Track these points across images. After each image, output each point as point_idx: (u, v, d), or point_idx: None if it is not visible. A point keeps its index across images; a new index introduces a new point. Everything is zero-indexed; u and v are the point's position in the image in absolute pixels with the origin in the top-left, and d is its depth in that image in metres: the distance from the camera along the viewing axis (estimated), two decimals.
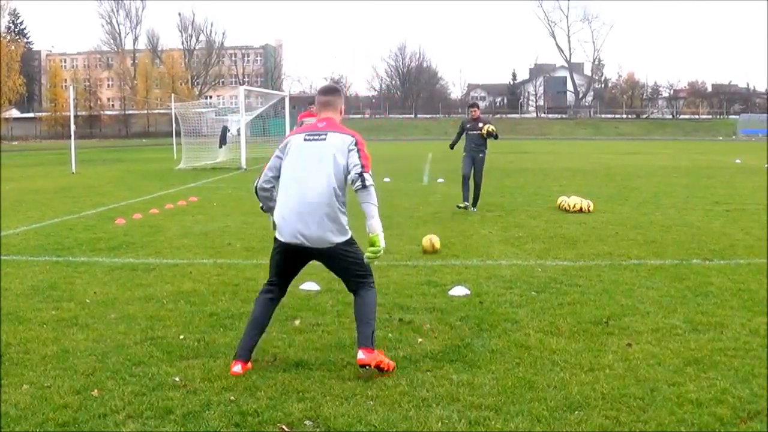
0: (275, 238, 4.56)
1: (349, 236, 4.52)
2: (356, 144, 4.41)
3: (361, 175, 4.32)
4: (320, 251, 4.46)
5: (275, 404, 4.05)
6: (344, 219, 4.47)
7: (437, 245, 8.63)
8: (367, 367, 4.35)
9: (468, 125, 13.32)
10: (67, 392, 4.23)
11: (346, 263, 4.53)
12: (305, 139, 4.47)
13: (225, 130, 27.85)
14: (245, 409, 3.98)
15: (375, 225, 4.39)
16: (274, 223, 4.55)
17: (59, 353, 4.94)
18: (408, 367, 4.63)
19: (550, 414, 3.89)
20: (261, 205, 4.74)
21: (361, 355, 4.36)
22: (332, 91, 4.73)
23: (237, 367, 4.47)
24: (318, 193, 4.36)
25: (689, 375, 4.46)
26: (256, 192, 4.64)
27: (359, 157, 4.36)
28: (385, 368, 4.42)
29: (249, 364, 4.54)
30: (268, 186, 4.58)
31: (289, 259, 4.57)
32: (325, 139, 4.43)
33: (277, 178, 4.54)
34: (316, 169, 4.37)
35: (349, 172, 4.37)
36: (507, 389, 4.23)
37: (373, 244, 4.42)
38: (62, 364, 4.72)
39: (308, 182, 4.37)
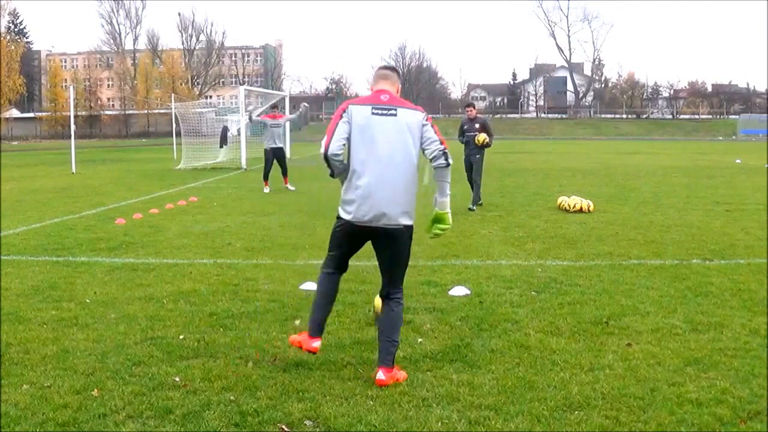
0: (340, 216, 4.48)
1: (412, 223, 4.45)
2: (427, 119, 4.36)
3: (444, 153, 4.28)
4: (387, 232, 4.35)
5: (275, 404, 4.05)
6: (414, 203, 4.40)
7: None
8: (384, 386, 4.25)
9: (465, 125, 13.47)
10: (67, 392, 4.23)
11: (404, 252, 4.48)
12: (373, 113, 4.32)
13: (225, 130, 27.83)
14: (245, 409, 3.98)
15: (447, 203, 4.40)
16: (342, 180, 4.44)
17: (59, 353, 4.94)
18: (408, 367, 4.63)
19: (550, 414, 3.89)
20: (330, 171, 4.51)
21: (381, 375, 4.28)
22: (392, 68, 4.71)
23: (316, 343, 4.48)
24: (399, 173, 4.29)
25: (689, 375, 4.46)
26: (327, 158, 4.39)
27: (435, 133, 4.32)
28: (400, 381, 4.36)
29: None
30: (339, 152, 4.36)
31: (355, 238, 4.51)
32: (396, 115, 4.32)
33: (346, 144, 4.37)
34: (395, 149, 4.28)
35: (426, 148, 4.31)
36: (507, 389, 4.24)
37: (442, 221, 4.41)
38: (62, 364, 4.72)
39: (387, 162, 4.27)
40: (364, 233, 4.42)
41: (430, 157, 4.31)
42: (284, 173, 17.25)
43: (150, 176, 22.59)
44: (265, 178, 16.84)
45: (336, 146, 4.35)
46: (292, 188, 16.89)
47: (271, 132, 16.93)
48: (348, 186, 4.38)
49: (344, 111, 4.40)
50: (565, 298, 6.38)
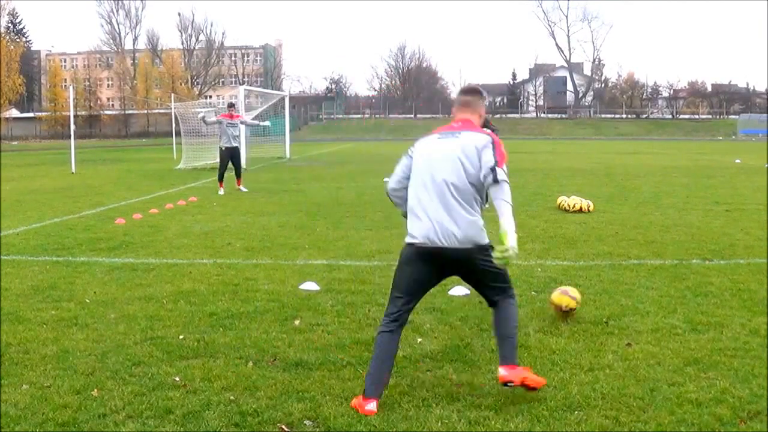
0: (404, 248, 4.18)
1: (487, 242, 4.13)
2: (492, 142, 4.06)
3: (493, 169, 3.96)
4: (458, 254, 4.04)
5: (275, 404, 4.05)
6: (480, 222, 4.11)
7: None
8: (511, 384, 4.02)
9: None
10: (67, 392, 4.23)
11: (484, 270, 4.14)
12: (438, 138, 4.19)
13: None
14: (245, 409, 3.98)
15: (504, 223, 3.99)
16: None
17: (59, 353, 4.94)
18: (408, 367, 4.63)
19: (550, 414, 3.89)
20: (400, 210, 4.42)
21: (502, 371, 4.04)
22: (473, 91, 4.39)
23: (371, 405, 3.93)
24: (455, 190, 4.03)
25: (689, 375, 4.46)
26: (389, 195, 4.37)
27: (494, 154, 4.00)
28: (533, 385, 4.05)
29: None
30: (398, 186, 4.28)
31: (423, 267, 4.12)
32: (458, 138, 4.12)
33: (407, 178, 4.24)
34: (449, 168, 4.05)
35: (481, 168, 4.01)
36: (507, 389, 4.23)
37: (499, 241, 4.04)
38: (62, 364, 4.72)
39: (442, 180, 4.04)
40: (435, 259, 4.10)
41: (482, 177, 4.02)
42: (237, 175, 16.81)
43: (150, 176, 22.59)
44: (220, 179, 16.37)
45: (394, 181, 4.32)
46: (245, 189, 16.48)
47: (227, 131, 16.52)
48: (409, 212, 4.22)
49: (414, 146, 4.29)
50: None
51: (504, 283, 4.26)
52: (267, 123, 19.11)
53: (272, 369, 4.63)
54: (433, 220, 4.02)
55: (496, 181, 3.96)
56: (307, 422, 3.83)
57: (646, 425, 3.76)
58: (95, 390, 4.26)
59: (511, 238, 3.99)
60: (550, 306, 5.79)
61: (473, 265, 4.12)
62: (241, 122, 18.36)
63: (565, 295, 5.69)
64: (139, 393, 4.22)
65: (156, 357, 4.87)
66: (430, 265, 4.11)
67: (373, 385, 4.00)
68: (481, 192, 4.09)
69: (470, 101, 4.30)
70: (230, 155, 16.58)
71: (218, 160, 17.08)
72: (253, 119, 24.49)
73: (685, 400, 4.06)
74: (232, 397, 4.14)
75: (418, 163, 4.18)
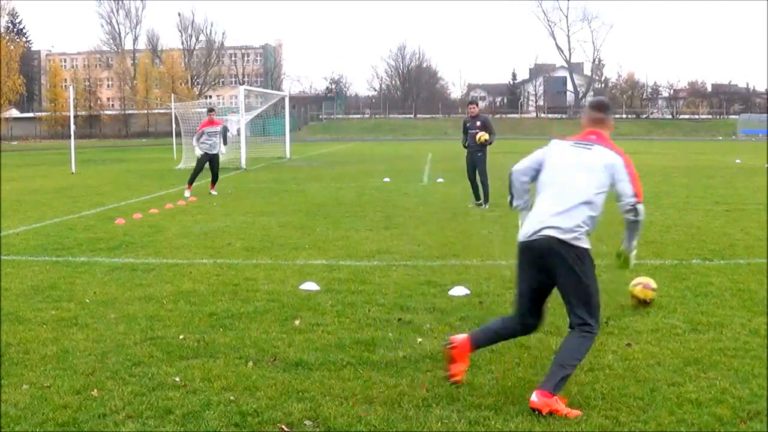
0: (518, 246, 4.29)
1: (589, 248, 4.23)
2: (625, 167, 4.17)
3: (634, 207, 4.13)
4: (559, 253, 4.11)
5: (275, 404, 4.05)
6: (587, 239, 4.24)
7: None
8: (537, 411, 3.88)
9: (468, 123, 13.60)
10: (67, 392, 4.23)
11: (578, 278, 4.16)
12: (572, 146, 4.30)
13: (225, 130, 27.81)
14: (245, 409, 3.98)
15: (629, 245, 4.38)
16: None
17: (59, 353, 4.94)
18: (408, 367, 4.63)
19: (550, 414, 3.88)
20: (510, 198, 4.53)
21: (534, 397, 3.90)
22: (604, 108, 4.50)
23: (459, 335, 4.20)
24: (574, 197, 4.13)
25: (689, 375, 4.46)
26: (512, 176, 4.46)
27: (631, 185, 4.13)
28: (563, 414, 3.88)
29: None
30: (525, 176, 4.43)
31: (535, 264, 4.20)
32: (591, 150, 4.21)
33: (535, 170, 4.39)
34: (576, 177, 4.16)
35: (618, 198, 4.16)
36: (507, 389, 4.23)
37: (619, 257, 4.47)
38: (62, 364, 4.72)
39: (566, 186, 4.17)
40: (543, 254, 4.17)
41: (622, 209, 4.18)
42: (214, 180, 16.42)
43: (150, 176, 22.59)
44: (190, 182, 15.88)
45: (524, 168, 4.43)
46: (215, 193, 16.07)
47: (210, 139, 16.20)
48: (530, 211, 4.38)
49: (548, 145, 4.46)
50: None
51: (590, 308, 4.21)
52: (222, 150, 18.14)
53: (272, 369, 4.63)
54: (546, 217, 4.15)
55: (636, 221, 4.20)
56: (307, 422, 3.83)
57: (646, 425, 3.76)
58: (95, 390, 4.26)
59: (632, 262, 4.48)
60: (632, 299, 6.04)
61: (574, 267, 4.16)
62: (223, 127, 18.06)
63: (648, 290, 6.06)
64: (139, 393, 4.22)
65: (156, 357, 4.87)
66: (544, 261, 4.18)
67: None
68: (595, 207, 4.17)
69: (602, 118, 4.40)
70: (209, 160, 16.20)
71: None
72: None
73: (685, 400, 4.06)
74: (232, 397, 4.14)
75: (550, 164, 4.32)
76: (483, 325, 4.62)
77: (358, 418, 3.86)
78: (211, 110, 17.32)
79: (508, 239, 9.53)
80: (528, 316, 4.29)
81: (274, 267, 7.81)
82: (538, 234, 4.14)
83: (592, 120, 4.40)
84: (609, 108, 4.53)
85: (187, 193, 15.50)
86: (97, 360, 4.82)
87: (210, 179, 16.49)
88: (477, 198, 13.44)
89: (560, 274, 4.15)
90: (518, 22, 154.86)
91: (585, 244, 4.19)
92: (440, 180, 19.04)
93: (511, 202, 4.53)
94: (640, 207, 4.13)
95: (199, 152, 16.29)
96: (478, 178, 13.49)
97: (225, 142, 27.67)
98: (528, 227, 4.23)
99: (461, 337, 4.22)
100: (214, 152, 16.38)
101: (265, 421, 3.85)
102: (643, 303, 6.03)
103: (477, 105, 14.22)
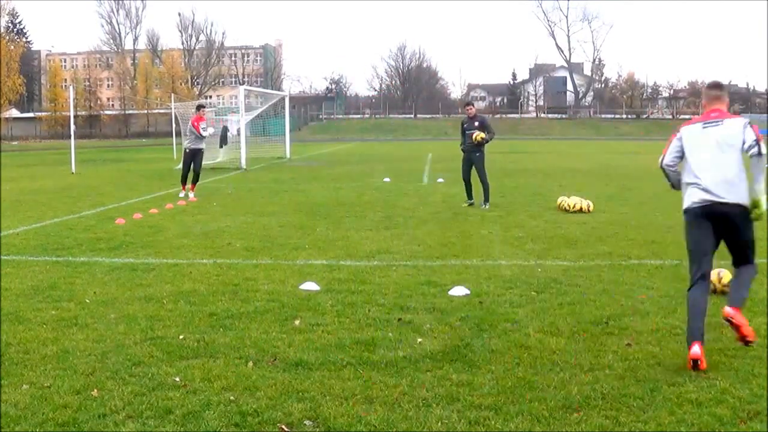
0: (687, 211, 4.98)
1: (745, 204, 4.90)
2: (749, 124, 4.97)
3: (757, 143, 4.83)
4: (734, 212, 4.83)
5: (275, 404, 4.05)
6: (745, 184, 4.90)
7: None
8: (731, 320, 4.61)
9: (465, 124, 13.62)
10: (67, 392, 4.23)
11: (749, 232, 4.92)
12: (703, 127, 5.03)
13: (225, 130, 27.82)
14: (245, 409, 3.98)
15: (759, 190, 4.89)
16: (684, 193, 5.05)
17: (59, 353, 4.94)
18: (408, 367, 4.63)
19: (550, 414, 3.89)
20: (669, 181, 5.30)
21: (728, 309, 4.64)
22: (720, 87, 5.30)
23: (696, 348, 4.56)
24: (730, 170, 4.84)
25: (689, 375, 4.46)
26: (663, 168, 5.21)
27: (753, 132, 4.89)
28: (743, 333, 4.60)
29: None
30: (673, 164, 5.16)
31: (706, 224, 4.89)
32: (722, 124, 4.97)
33: (680, 157, 5.09)
34: (723, 151, 4.89)
35: (745, 144, 4.87)
36: (507, 389, 4.24)
37: (756, 206, 4.88)
38: (62, 364, 4.72)
39: (719, 163, 4.87)
40: (715, 214, 4.86)
41: (746, 149, 4.87)
42: (194, 179, 15.85)
43: (150, 176, 22.59)
44: (183, 181, 15.85)
45: (669, 159, 5.16)
46: (191, 195, 15.39)
47: (193, 133, 15.97)
48: (690, 188, 5.00)
49: (678, 132, 5.21)
50: (565, 298, 6.38)
51: (753, 251, 5.01)
52: (210, 131, 17.82)
53: (272, 369, 4.63)
54: (712, 184, 4.85)
55: (759, 154, 4.82)
56: (307, 422, 3.84)
57: (646, 425, 3.76)
58: (95, 390, 4.26)
59: (764, 203, 4.91)
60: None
61: (746, 223, 4.90)
62: (224, 127, 17.83)
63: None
64: (139, 393, 4.22)
65: (156, 357, 4.87)
66: (716, 221, 4.89)
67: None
68: (743, 169, 4.93)
69: (719, 95, 5.18)
70: (192, 157, 15.87)
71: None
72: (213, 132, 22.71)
73: (685, 400, 4.06)
74: (232, 397, 4.14)
75: (695, 147, 5.01)
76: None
77: (358, 418, 3.86)
78: (200, 107, 17.10)
79: (508, 239, 9.55)
80: (707, 266, 4.96)
81: (274, 267, 7.81)
82: (715, 200, 4.83)
83: (712, 98, 5.15)
84: (724, 86, 5.36)
85: (181, 194, 15.43)
86: (97, 360, 4.82)
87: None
88: (470, 197, 13.52)
89: (739, 233, 4.91)
90: (518, 22, 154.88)
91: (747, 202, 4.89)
92: (440, 180, 19.05)
93: (672, 186, 5.31)
94: (762, 144, 4.83)
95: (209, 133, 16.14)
96: (474, 178, 13.52)
97: (225, 142, 27.83)
98: (700, 196, 4.90)
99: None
100: (199, 147, 16.03)
101: (265, 421, 3.85)
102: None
103: (473, 106, 14.25)
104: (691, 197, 4.98)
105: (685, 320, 5.63)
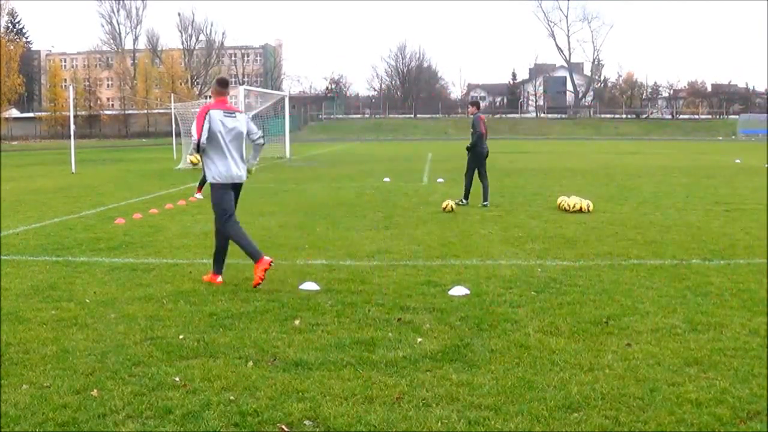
0: None
1: None
2: None
3: None
4: None
5: (275, 404, 4.05)
6: None
7: None
8: None
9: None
10: (67, 392, 4.23)
11: None
12: None
13: None
14: (245, 409, 3.98)
15: None
16: None
17: (59, 353, 4.94)
18: (408, 367, 4.63)
19: (549, 414, 3.89)
20: None
21: None
22: None
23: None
24: None
25: (689, 375, 4.46)
26: None
27: None
28: None
29: None
30: None
31: None
32: None
33: None
34: None
35: None
36: (507, 389, 4.24)
37: None
38: (62, 364, 4.72)
39: None
40: None
41: None
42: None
43: (150, 176, 22.58)
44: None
45: None
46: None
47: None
48: None
49: None
50: (565, 298, 6.38)
51: None
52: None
53: (272, 369, 4.63)
54: None
55: None
56: (307, 422, 3.83)
57: (646, 425, 3.76)
58: (95, 390, 4.26)
59: None
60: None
61: None
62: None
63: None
64: (139, 393, 4.22)
65: (156, 357, 4.87)
66: None
67: None
68: None
69: None
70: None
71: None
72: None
73: (685, 400, 4.06)
74: (232, 397, 4.14)
75: None
76: None
77: (358, 418, 3.86)
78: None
79: (508, 239, 9.54)
80: None
81: (274, 267, 7.80)
82: None
83: None
84: None
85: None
86: (97, 360, 4.82)
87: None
88: (466, 197, 13.68)
89: None
90: (518, 22, 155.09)
91: None
92: (440, 180, 19.05)
93: None
94: None
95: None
96: (474, 178, 13.74)
97: None
98: None
99: None
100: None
101: (265, 421, 3.85)
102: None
103: (472, 106, 14.39)
104: None
105: (685, 320, 5.65)
